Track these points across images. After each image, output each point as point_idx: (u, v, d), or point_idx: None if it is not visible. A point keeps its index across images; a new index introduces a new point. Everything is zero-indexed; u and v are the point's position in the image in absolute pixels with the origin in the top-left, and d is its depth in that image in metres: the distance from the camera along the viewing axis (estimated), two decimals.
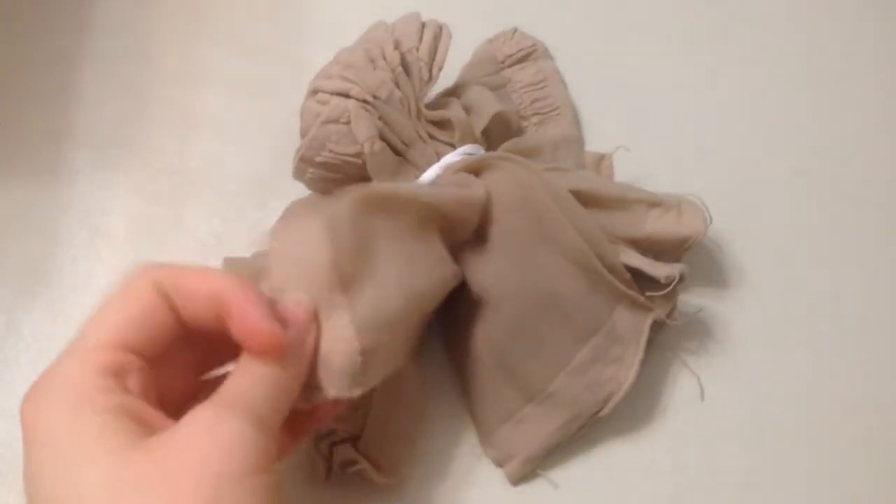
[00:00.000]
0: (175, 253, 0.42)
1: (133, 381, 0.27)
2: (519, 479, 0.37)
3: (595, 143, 0.43)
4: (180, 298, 0.28)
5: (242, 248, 0.41)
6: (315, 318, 0.30)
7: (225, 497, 0.24)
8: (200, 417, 0.25)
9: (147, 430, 0.25)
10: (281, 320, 0.29)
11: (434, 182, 0.37)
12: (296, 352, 0.29)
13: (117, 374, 0.26)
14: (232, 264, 0.40)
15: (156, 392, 0.28)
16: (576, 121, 0.43)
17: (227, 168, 0.44)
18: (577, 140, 0.43)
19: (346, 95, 0.36)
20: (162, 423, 0.26)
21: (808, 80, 0.46)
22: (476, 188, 0.36)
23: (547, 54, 0.45)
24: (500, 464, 0.37)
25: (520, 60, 0.44)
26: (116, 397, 0.26)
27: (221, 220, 0.43)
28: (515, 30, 0.44)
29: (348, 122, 0.36)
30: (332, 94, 0.37)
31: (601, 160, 0.42)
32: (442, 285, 0.35)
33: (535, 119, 0.43)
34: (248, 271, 0.39)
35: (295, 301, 0.30)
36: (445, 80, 0.42)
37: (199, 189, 0.44)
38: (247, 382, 0.28)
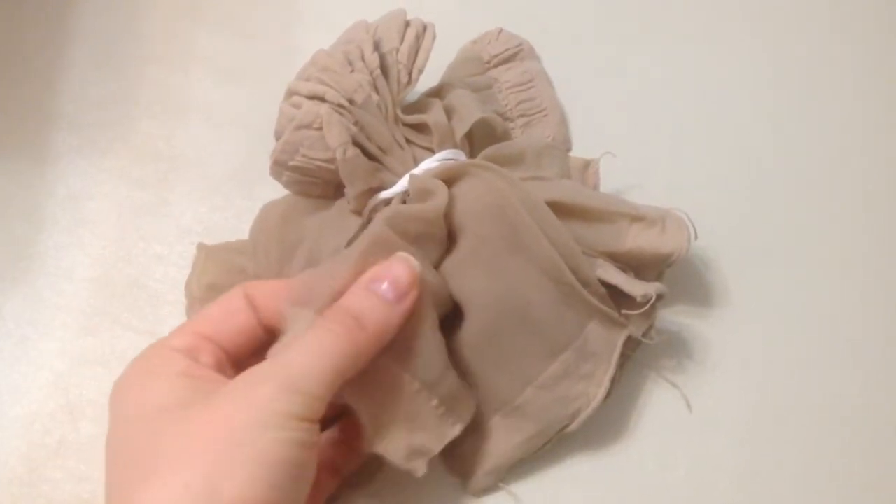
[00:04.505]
0: (159, 239, 0.42)
1: (206, 357, 0.31)
2: (481, 491, 0.37)
3: (580, 145, 0.42)
4: (262, 298, 0.32)
5: (229, 236, 0.41)
6: (417, 282, 0.31)
7: (244, 444, 0.27)
8: (239, 378, 0.29)
9: (213, 391, 0.29)
10: (379, 277, 0.31)
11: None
12: (382, 313, 0.30)
13: (190, 351, 0.31)
14: (206, 250, 0.39)
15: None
16: (563, 122, 0.42)
17: (216, 154, 0.44)
18: (563, 143, 0.41)
19: (321, 99, 0.36)
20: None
21: (806, 93, 0.45)
22: (438, 196, 0.35)
23: (533, 54, 0.43)
24: (462, 475, 0.37)
25: (506, 60, 0.42)
26: (185, 364, 0.30)
27: (208, 206, 0.43)
28: (501, 30, 0.43)
29: (321, 128, 0.35)
30: (307, 97, 0.36)
31: (587, 167, 0.40)
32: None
33: (521, 121, 0.42)
34: (223, 259, 0.39)
35: (403, 259, 0.32)
36: (431, 79, 0.41)
37: (186, 175, 0.43)
38: (295, 348, 0.29)
